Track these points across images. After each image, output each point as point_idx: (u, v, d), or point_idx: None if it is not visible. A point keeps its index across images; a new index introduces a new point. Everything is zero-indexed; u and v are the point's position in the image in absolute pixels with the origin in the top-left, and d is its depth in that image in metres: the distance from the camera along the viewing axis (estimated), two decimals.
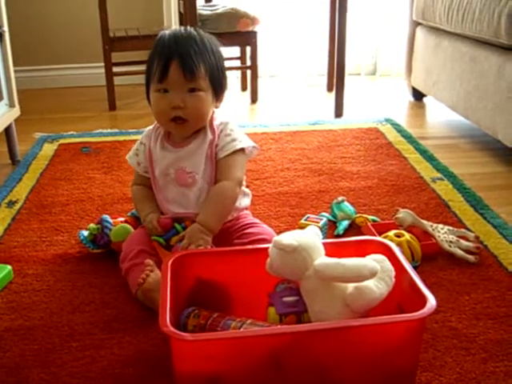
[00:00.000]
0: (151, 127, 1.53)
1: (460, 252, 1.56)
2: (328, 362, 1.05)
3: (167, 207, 1.47)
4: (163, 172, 1.47)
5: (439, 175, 2.11)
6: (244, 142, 1.47)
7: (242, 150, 1.47)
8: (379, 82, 3.69)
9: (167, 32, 1.44)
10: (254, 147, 1.50)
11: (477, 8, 2.31)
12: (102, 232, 1.57)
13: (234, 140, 1.45)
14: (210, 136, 1.45)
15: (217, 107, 1.48)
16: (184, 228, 1.41)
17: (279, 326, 1.11)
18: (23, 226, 1.77)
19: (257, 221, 1.55)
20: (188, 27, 1.46)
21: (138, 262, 1.39)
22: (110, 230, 1.56)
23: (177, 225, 1.43)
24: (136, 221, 1.63)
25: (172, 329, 0.99)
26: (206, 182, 1.45)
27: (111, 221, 1.60)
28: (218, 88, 1.44)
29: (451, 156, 2.34)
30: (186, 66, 1.36)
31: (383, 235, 1.55)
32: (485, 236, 1.67)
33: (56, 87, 3.50)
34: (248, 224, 1.51)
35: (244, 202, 1.54)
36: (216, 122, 1.48)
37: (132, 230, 1.56)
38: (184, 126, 1.43)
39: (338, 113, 2.90)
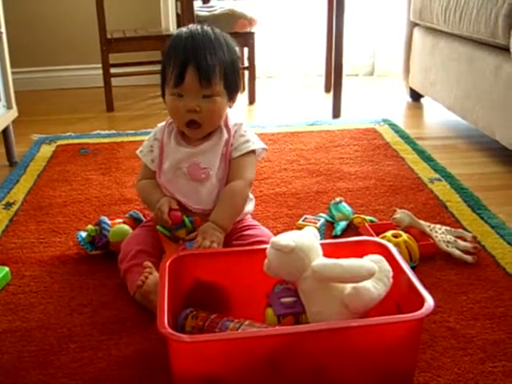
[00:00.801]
0: (163, 123, 1.52)
1: (458, 252, 1.56)
2: (326, 363, 1.05)
3: (177, 199, 1.46)
4: (174, 166, 1.46)
5: (437, 176, 2.11)
6: (256, 144, 1.49)
7: (254, 151, 1.49)
8: (377, 83, 3.70)
9: (184, 31, 1.42)
10: (263, 149, 1.52)
11: (474, 8, 2.32)
12: (100, 233, 1.57)
13: (247, 141, 1.47)
14: (225, 135, 1.46)
15: (230, 107, 1.48)
16: (192, 222, 1.40)
17: (277, 327, 1.11)
18: (21, 227, 1.77)
19: (255, 223, 1.55)
20: (204, 26, 1.44)
21: (136, 262, 1.39)
22: (109, 231, 1.56)
23: (186, 218, 1.40)
24: (134, 222, 1.63)
25: (170, 330, 0.99)
26: (219, 180, 1.45)
27: (109, 222, 1.60)
28: (233, 90, 1.45)
29: (449, 156, 2.34)
30: (203, 73, 1.36)
31: (381, 236, 1.55)
32: (482, 236, 1.67)
33: (54, 88, 3.50)
34: (247, 226, 1.51)
35: (248, 207, 1.54)
36: (230, 123, 1.49)
37: (130, 230, 1.56)
38: (198, 130, 1.43)
39: (336, 113, 2.90)
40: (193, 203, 1.45)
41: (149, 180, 1.51)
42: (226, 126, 1.48)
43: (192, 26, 1.44)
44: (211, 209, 1.43)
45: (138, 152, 1.55)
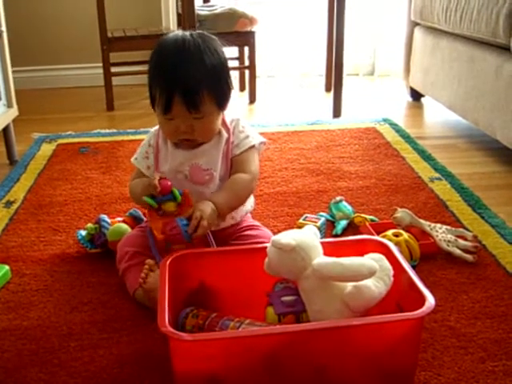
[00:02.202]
0: (156, 127, 1.50)
1: (458, 251, 1.56)
2: (327, 362, 1.05)
3: None
4: (174, 169, 1.43)
5: (437, 175, 2.11)
6: (256, 139, 1.47)
7: (254, 145, 1.47)
8: (377, 82, 3.70)
9: (164, 45, 1.39)
10: (263, 142, 1.50)
11: (475, 8, 2.32)
12: (99, 232, 1.57)
13: (247, 137, 1.46)
14: (225, 134, 1.44)
15: (224, 110, 1.46)
16: (181, 195, 1.34)
17: (277, 326, 1.11)
18: (21, 226, 1.77)
19: (256, 223, 1.55)
20: (189, 33, 1.40)
21: (134, 263, 1.39)
22: (108, 229, 1.56)
23: (175, 190, 1.34)
24: (134, 221, 1.63)
25: (170, 329, 0.99)
26: (221, 180, 1.43)
27: (109, 220, 1.60)
28: (224, 100, 1.41)
29: (449, 156, 2.34)
30: (190, 102, 1.33)
31: (381, 235, 1.55)
32: (483, 235, 1.67)
33: (54, 87, 3.50)
34: (248, 226, 1.51)
35: (247, 206, 1.52)
36: (227, 119, 1.47)
37: (129, 229, 1.56)
38: (193, 143, 1.42)
39: (336, 113, 2.90)
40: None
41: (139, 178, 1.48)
42: (224, 124, 1.46)
43: (175, 37, 1.39)
44: None
45: (132, 160, 1.52)
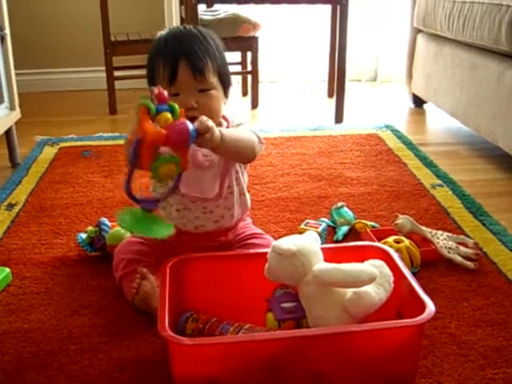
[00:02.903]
0: None
1: (459, 258, 1.56)
2: (326, 368, 1.05)
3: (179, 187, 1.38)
4: None
5: (439, 182, 2.11)
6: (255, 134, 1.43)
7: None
8: (380, 89, 3.70)
9: (165, 32, 1.39)
10: (261, 141, 1.43)
11: (477, 15, 2.32)
12: (99, 235, 1.57)
13: (243, 124, 1.43)
14: (224, 123, 1.42)
15: (224, 103, 1.44)
16: (178, 109, 1.19)
17: (277, 331, 1.11)
18: (22, 228, 1.77)
19: (259, 231, 1.54)
20: (185, 25, 1.41)
21: (129, 270, 1.39)
22: (108, 232, 1.56)
23: (173, 103, 1.17)
24: None
25: (170, 333, 0.99)
26: (220, 169, 1.40)
27: (109, 224, 1.60)
28: (226, 84, 1.40)
29: (451, 162, 2.34)
30: (195, 65, 1.31)
31: (382, 241, 1.55)
32: (484, 243, 1.67)
33: (57, 90, 3.51)
34: (251, 234, 1.50)
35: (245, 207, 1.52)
36: (227, 115, 1.44)
37: (128, 234, 1.55)
38: None
39: (339, 119, 2.90)
40: (192, 191, 1.40)
41: None
42: (224, 117, 1.43)
43: (172, 27, 1.41)
44: (212, 199, 1.40)
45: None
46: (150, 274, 1.32)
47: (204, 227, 1.43)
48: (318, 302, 1.10)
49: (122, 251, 1.45)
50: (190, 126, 1.12)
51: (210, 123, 1.17)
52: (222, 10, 3.17)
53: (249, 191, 1.58)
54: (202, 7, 3.23)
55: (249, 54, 3.22)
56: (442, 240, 1.61)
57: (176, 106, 1.16)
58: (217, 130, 1.20)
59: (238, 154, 1.34)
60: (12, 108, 2.27)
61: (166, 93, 1.17)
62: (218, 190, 1.40)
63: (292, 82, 3.76)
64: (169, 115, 1.14)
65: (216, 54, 1.37)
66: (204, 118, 1.18)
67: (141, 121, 1.11)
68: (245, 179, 1.48)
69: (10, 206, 1.92)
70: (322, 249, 1.17)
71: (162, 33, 1.41)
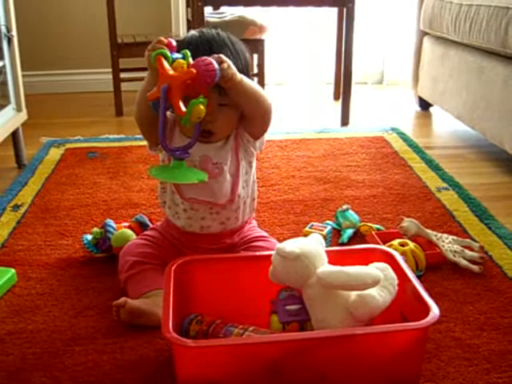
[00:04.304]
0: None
1: (464, 262, 1.55)
2: (330, 371, 1.05)
3: (186, 192, 1.39)
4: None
5: (444, 185, 2.10)
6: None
7: None
8: (386, 91, 3.70)
9: (197, 33, 1.36)
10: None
11: (484, 18, 2.32)
12: (104, 236, 1.57)
13: None
14: (234, 130, 1.41)
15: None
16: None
17: (282, 334, 1.11)
18: (28, 229, 1.78)
19: (264, 234, 1.53)
20: (217, 30, 1.37)
21: (133, 272, 1.40)
22: (113, 234, 1.56)
23: (186, 51, 1.21)
24: (140, 226, 1.63)
25: (174, 335, 0.99)
26: (231, 175, 1.40)
27: (115, 225, 1.60)
28: None
29: (457, 166, 2.33)
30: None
31: (388, 244, 1.55)
32: (489, 246, 1.66)
33: (63, 92, 3.52)
34: (256, 237, 1.49)
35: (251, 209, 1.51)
36: None
37: (133, 235, 1.56)
38: (210, 139, 1.36)
39: (345, 121, 2.90)
40: (204, 197, 1.39)
41: None
42: None
43: (204, 30, 1.37)
44: (221, 204, 1.39)
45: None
46: (127, 300, 1.31)
47: (210, 228, 1.43)
48: (322, 304, 1.10)
49: (127, 253, 1.45)
50: (217, 68, 1.16)
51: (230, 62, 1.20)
52: (229, 13, 3.18)
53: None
54: (208, 9, 3.25)
55: (255, 56, 3.22)
56: (447, 243, 1.60)
57: (187, 51, 1.20)
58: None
59: (255, 100, 1.33)
60: (19, 109, 2.28)
61: (173, 41, 1.21)
62: (229, 195, 1.40)
63: (298, 85, 3.76)
64: (183, 61, 1.17)
65: (243, 69, 1.35)
66: (223, 56, 1.20)
67: (162, 68, 1.15)
68: (253, 181, 1.48)
69: (16, 207, 1.92)
70: (327, 251, 1.17)
71: (193, 33, 1.37)
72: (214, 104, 1.27)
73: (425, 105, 3.14)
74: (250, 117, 1.37)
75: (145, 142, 1.53)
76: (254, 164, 1.47)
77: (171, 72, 1.15)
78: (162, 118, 1.18)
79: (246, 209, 1.47)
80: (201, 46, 1.32)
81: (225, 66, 1.20)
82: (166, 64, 1.16)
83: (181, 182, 1.30)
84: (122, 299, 1.30)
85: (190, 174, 1.24)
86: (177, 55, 1.20)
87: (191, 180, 1.23)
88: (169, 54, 1.17)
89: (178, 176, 1.23)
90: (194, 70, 1.15)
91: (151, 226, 1.62)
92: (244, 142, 1.41)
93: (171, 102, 1.15)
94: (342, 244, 1.67)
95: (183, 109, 1.14)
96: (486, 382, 1.16)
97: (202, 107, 1.16)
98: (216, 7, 3.47)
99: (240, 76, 1.26)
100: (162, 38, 1.22)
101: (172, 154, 1.23)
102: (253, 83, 1.33)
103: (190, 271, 1.21)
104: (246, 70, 1.37)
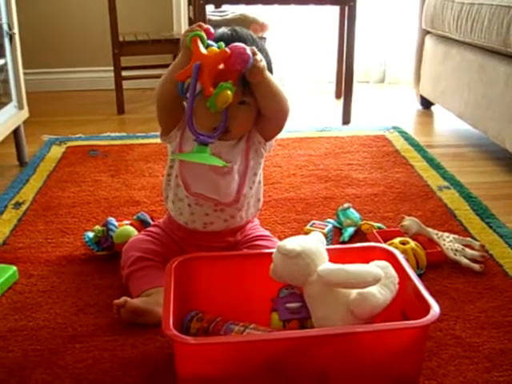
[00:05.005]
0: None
1: (465, 261, 1.55)
2: (330, 368, 1.05)
3: (194, 187, 1.38)
4: None
5: (446, 183, 2.10)
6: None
7: None
8: (387, 90, 3.69)
9: (229, 31, 1.34)
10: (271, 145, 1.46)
11: (486, 17, 2.31)
12: (106, 234, 1.58)
13: None
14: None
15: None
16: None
17: (282, 332, 1.11)
18: (29, 227, 1.78)
19: (267, 233, 1.54)
20: (242, 29, 1.36)
21: (135, 268, 1.40)
22: (115, 232, 1.57)
23: (221, 43, 1.22)
24: (142, 224, 1.63)
25: (175, 332, 0.99)
26: (239, 175, 1.39)
27: (116, 223, 1.61)
28: None
29: (458, 164, 2.33)
30: (245, 79, 1.26)
31: (388, 242, 1.55)
32: (490, 245, 1.66)
33: (65, 90, 3.52)
34: (259, 236, 1.50)
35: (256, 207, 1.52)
36: None
37: (135, 232, 1.56)
38: (226, 135, 1.34)
39: (346, 120, 2.90)
40: (210, 193, 1.38)
41: None
42: None
43: (237, 28, 1.36)
44: (227, 203, 1.39)
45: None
46: (127, 299, 1.31)
47: (213, 225, 1.43)
48: (322, 302, 1.10)
49: (130, 248, 1.45)
50: (250, 53, 1.18)
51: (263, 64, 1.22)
52: (230, 11, 3.18)
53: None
54: (210, 8, 3.25)
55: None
56: (448, 242, 1.60)
57: (222, 43, 1.21)
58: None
59: (278, 100, 1.34)
60: (20, 107, 2.28)
61: (211, 28, 1.23)
62: (235, 195, 1.39)
63: (299, 83, 3.75)
64: (215, 49, 1.18)
65: (268, 68, 1.32)
66: (256, 50, 1.21)
67: (197, 48, 1.16)
68: (260, 181, 1.48)
69: (18, 205, 1.92)
70: (328, 250, 1.17)
71: (222, 31, 1.35)
72: (234, 101, 1.24)
73: (426, 103, 3.14)
74: (268, 117, 1.37)
75: (146, 140, 1.53)
76: (262, 165, 1.47)
77: (205, 52, 1.17)
78: (191, 95, 1.18)
79: (251, 208, 1.47)
80: (233, 42, 1.29)
81: (258, 57, 1.21)
82: (200, 45, 1.17)
83: (206, 163, 1.28)
84: (122, 299, 1.30)
85: (213, 158, 1.23)
86: (212, 43, 1.21)
87: (216, 162, 1.23)
88: (204, 36, 1.19)
89: (202, 158, 1.22)
90: (229, 51, 1.16)
91: (153, 223, 1.62)
92: (256, 143, 1.41)
93: (201, 80, 1.15)
94: (343, 242, 1.68)
95: (210, 91, 1.15)
96: (486, 380, 1.16)
97: (229, 93, 1.16)
98: (218, 5, 3.47)
99: (268, 73, 1.27)
100: (202, 23, 1.23)
101: (196, 137, 1.22)
102: (277, 83, 1.33)
103: (190, 269, 1.21)
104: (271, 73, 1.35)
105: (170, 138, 1.41)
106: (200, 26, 1.23)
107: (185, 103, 1.30)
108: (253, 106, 1.34)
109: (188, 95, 1.20)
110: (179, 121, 1.38)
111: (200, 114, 1.29)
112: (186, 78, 1.18)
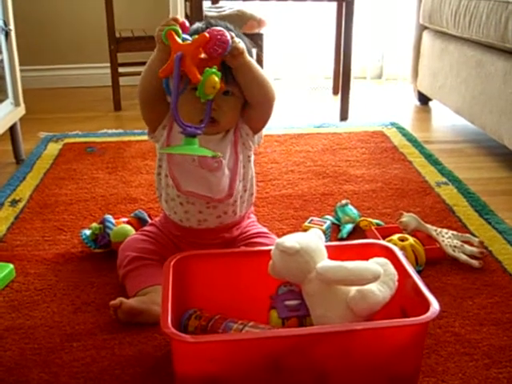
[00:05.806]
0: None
1: (464, 257, 1.55)
2: (329, 366, 1.04)
3: (184, 185, 1.38)
4: None
5: (444, 179, 2.10)
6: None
7: None
8: (385, 86, 3.69)
9: (204, 25, 1.33)
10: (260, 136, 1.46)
11: (484, 12, 2.31)
12: (103, 232, 1.57)
13: None
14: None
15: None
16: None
17: (281, 329, 1.11)
18: (26, 224, 1.77)
19: (264, 230, 1.53)
20: (225, 22, 1.35)
21: (131, 268, 1.39)
22: (112, 229, 1.56)
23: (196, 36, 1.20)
24: (139, 222, 1.62)
25: (173, 330, 0.99)
26: (229, 169, 1.38)
27: (113, 221, 1.60)
28: None
29: (456, 160, 2.33)
30: (228, 69, 1.26)
31: (387, 239, 1.54)
32: (489, 241, 1.66)
33: (61, 87, 3.51)
34: (256, 233, 1.49)
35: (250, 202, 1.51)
36: None
37: (133, 231, 1.55)
38: (214, 127, 1.34)
39: (344, 116, 2.90)
40: (201, 191, 1.38)
41: None
42: None
43: (212, 21, 1.35)
44: (220, 199, 1.38)
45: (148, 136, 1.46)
46: (123, 300, 1.31)
47: (206, 222, 1.42)
48: (321, 299, 1.09)
49: (126, 248, 1.45)
50: (229, 39, 1.18)
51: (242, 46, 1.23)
52: (227, 7, 3.17)
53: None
54: (207, 4, 3.24)
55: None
56: (447, 238, 1.60)
57: (196, 36, 1.19)
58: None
59: (261, 84, 1.33)
60: (16, 104, 2.27)
61: (186, 22, 1.23)
62: (227, 190, 1.39)
63: (297, 79, 3.75)
64: (196, 38, 1.17)
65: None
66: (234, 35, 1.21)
67: (174, 41, 1.16)
68: (251, 175, 1.47)
69: (14, 202, 1.91)
70: (326, 246, 1.17)
71: (198, 25, 1.35)
72: (219, 92, 1.24)
73: (424, 99, 3.14)
74: (253, 105, 1.36)
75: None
76: (252, 158, 1.46)
77: (183, 42, 1.17)
78: (175, 88, 1.17)
79: (244, 203, 1.46)
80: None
81: (236, 40, 1.21)
82: (177, 38, 1.17)
83: (196, 154, 1.28)
84: (118, 300, 1.30)
85: (202, 149, 1.22)
86: (187, 37, 1.20)
87: (205, 153, 1.21)
88: (180, 32, 1.19)
89: (191, 149, 1.22)
90: (208, 35, 1.16)
91: (150, 221, 1.61)
92: (243, 135, 1.40)
93: (186, 70, 1.15)
94: (342, 239, 1.67)
95: (196, 77, 1.14)
96: (485, 377, 1.15)
97: (216, 78, 1.16)
98: (215, 1, 3.46)
99: (249, 57, 1.26)
100: (177, 17, 1.23)
101: (183, 129, 1.21)
102: (260, 68, 1.33)
103: (188, 266, 1.21)
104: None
105: (155, 137, 1.42)
106: (175, 20, 1.22)
107: (169, 98, 1.29)
108: (237, 96, 1.34)
109: (171, 88, 1.19)
110: (163, 117, 1.39)
111: (186, 108, 1.28)
112: (169, 73, 1.18)
